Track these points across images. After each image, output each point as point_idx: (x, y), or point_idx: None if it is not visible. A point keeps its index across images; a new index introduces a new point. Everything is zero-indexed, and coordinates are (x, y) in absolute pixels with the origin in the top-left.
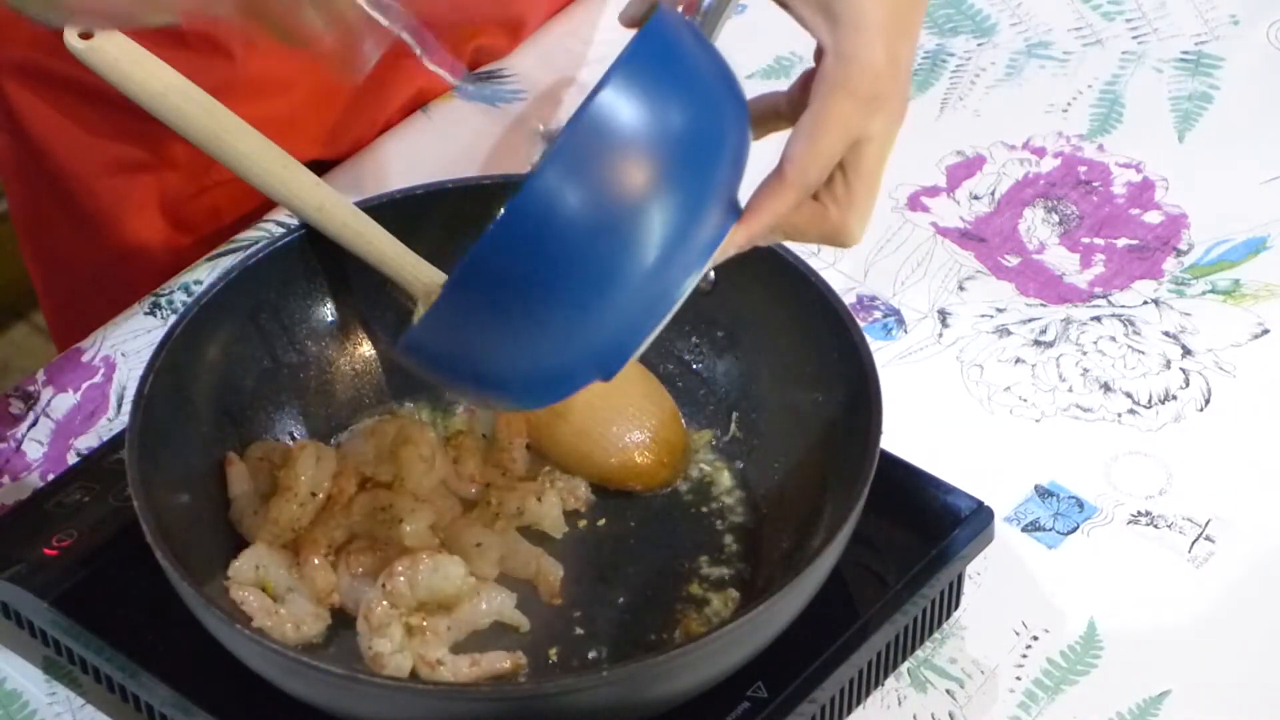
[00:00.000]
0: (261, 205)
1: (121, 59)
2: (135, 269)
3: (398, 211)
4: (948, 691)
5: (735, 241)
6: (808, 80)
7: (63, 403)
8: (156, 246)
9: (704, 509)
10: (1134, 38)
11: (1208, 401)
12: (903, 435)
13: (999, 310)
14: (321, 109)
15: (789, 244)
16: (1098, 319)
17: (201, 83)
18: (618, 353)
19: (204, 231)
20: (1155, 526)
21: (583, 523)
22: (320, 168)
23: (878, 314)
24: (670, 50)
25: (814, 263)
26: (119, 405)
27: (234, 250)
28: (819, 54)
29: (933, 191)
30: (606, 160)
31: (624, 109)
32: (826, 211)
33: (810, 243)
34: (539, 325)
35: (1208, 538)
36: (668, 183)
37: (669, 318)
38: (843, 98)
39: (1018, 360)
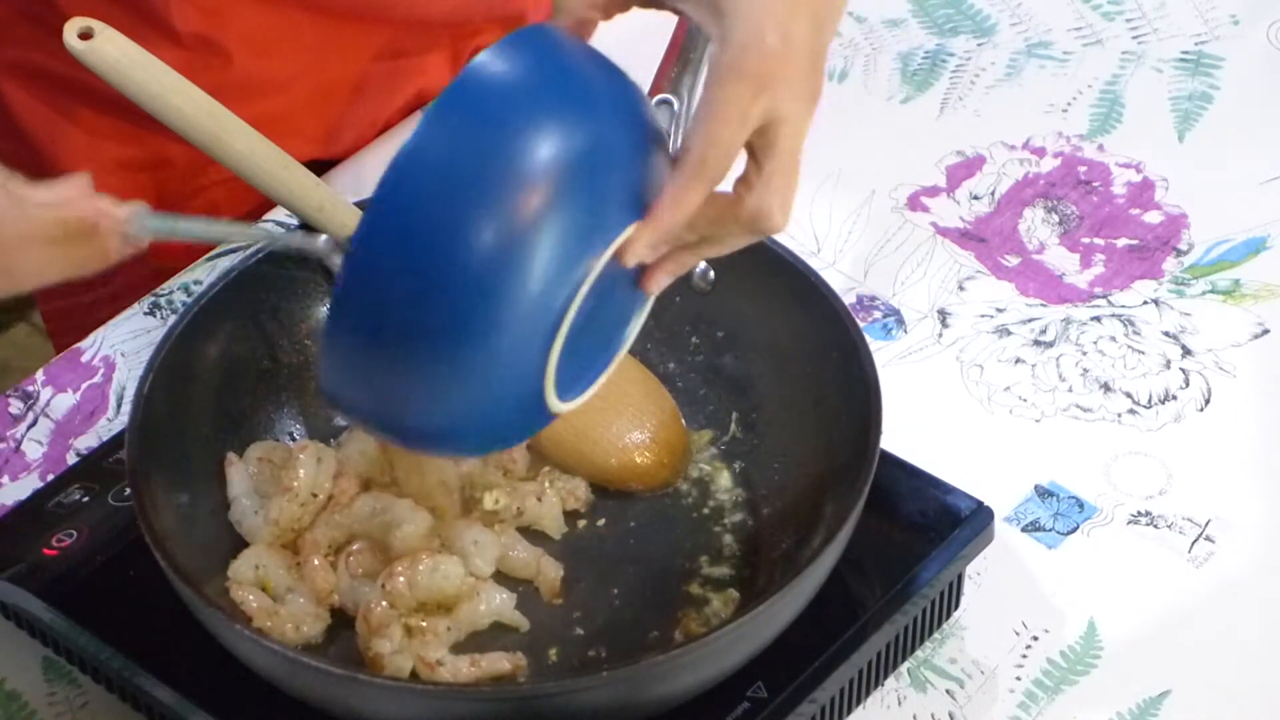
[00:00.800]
0: (260, 205)
1: (121, 60)
2: (134, 269)
3: None
4: (948, 691)
5: (644, 241)
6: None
7: (62, 403)
8: (155, 246)
9: (704, 509)
10: (1134, 38)
11: (1208, 401)
12: (903, 435)
13: (999, 310)
14: (319, 109)
15: (784, 244)
16: (1098, 319)
17: (199, 83)
18: (533, 385)
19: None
20: (1155, 526)
21: (583, 523)
22: (319, 167)
23: (878, 314)
24: (509, 68)
25: (814, 263)
26: (119, 405)
27: (234, 250)
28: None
29: (933, 191)
30: (426, 197)
31: (439, 140)
32: (741, 199)
33: (736, 237)
34: (431, 365)
35: (1208, 538)
36: (498, 202)
37: (630, 334)
38: (733, 81)
39: (1018, 360)
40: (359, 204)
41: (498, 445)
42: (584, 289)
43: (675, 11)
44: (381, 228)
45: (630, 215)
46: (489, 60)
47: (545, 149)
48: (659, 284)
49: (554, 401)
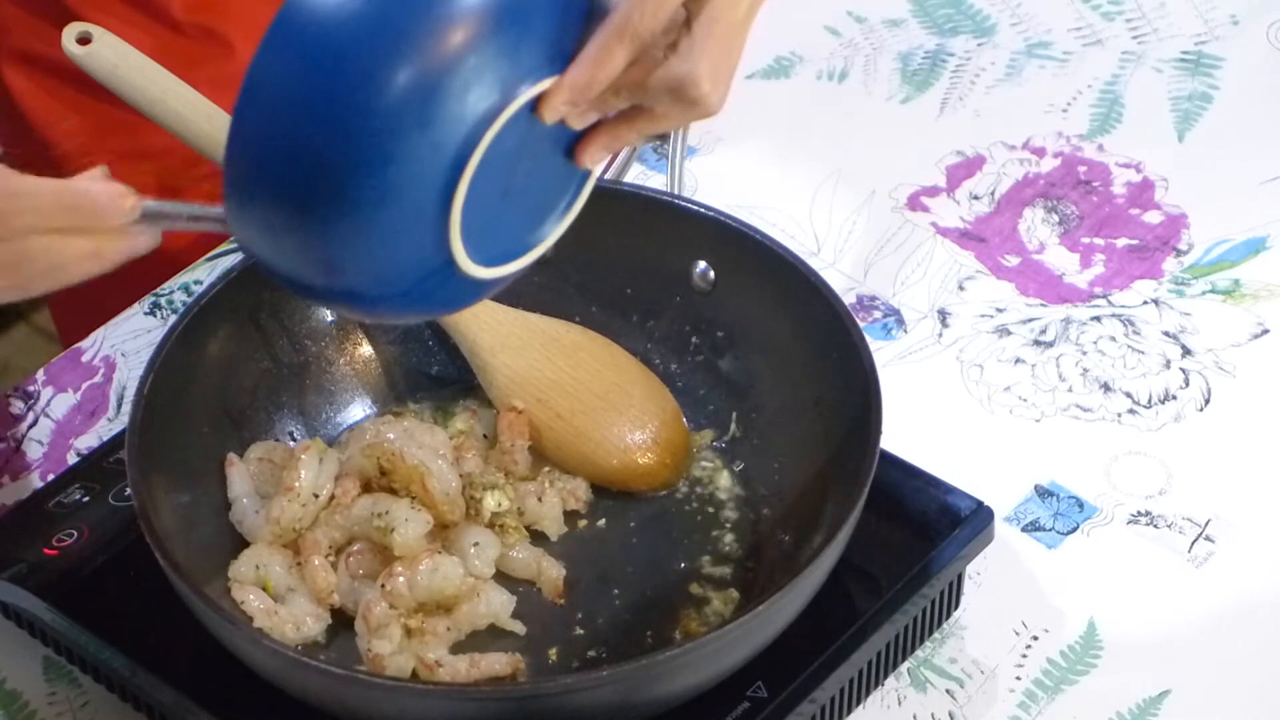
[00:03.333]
0: None
1: (120, 64)
2: (137, 261)
3: None
4: (948, 691)
5: (561, 96)
6: None
7: (63, 403)
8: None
9: (704, 509)
10: (1134, 38)
11: (1208, 401)
12: (903, 435)
13: (999, 310)
14: None
15: (784, 244)
16: (1098, 319)
17: (201, 73)
18: (435, 235)
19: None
20: (1155, 526)
21: (583, 523)
22: None
23: (878, 314)
24: None
25: (814, 263)
26: (119, 405)
27: (234, 250)
28: None
29: (933, 191)
30: (322, 19)
31: None
32: (669, 63)
33: (664, 107)
34: (327, 205)
35: (1208, 538)
36: (400, 30)
37: (567, 212)
38: None
39: (1018, 360)
40: None
41: (414, 307)
42: (489, 134)
43: None
44: (275, 57)
45: (549, 68)
46: None
47: None
48: (593, 156)
49: (465, 261)
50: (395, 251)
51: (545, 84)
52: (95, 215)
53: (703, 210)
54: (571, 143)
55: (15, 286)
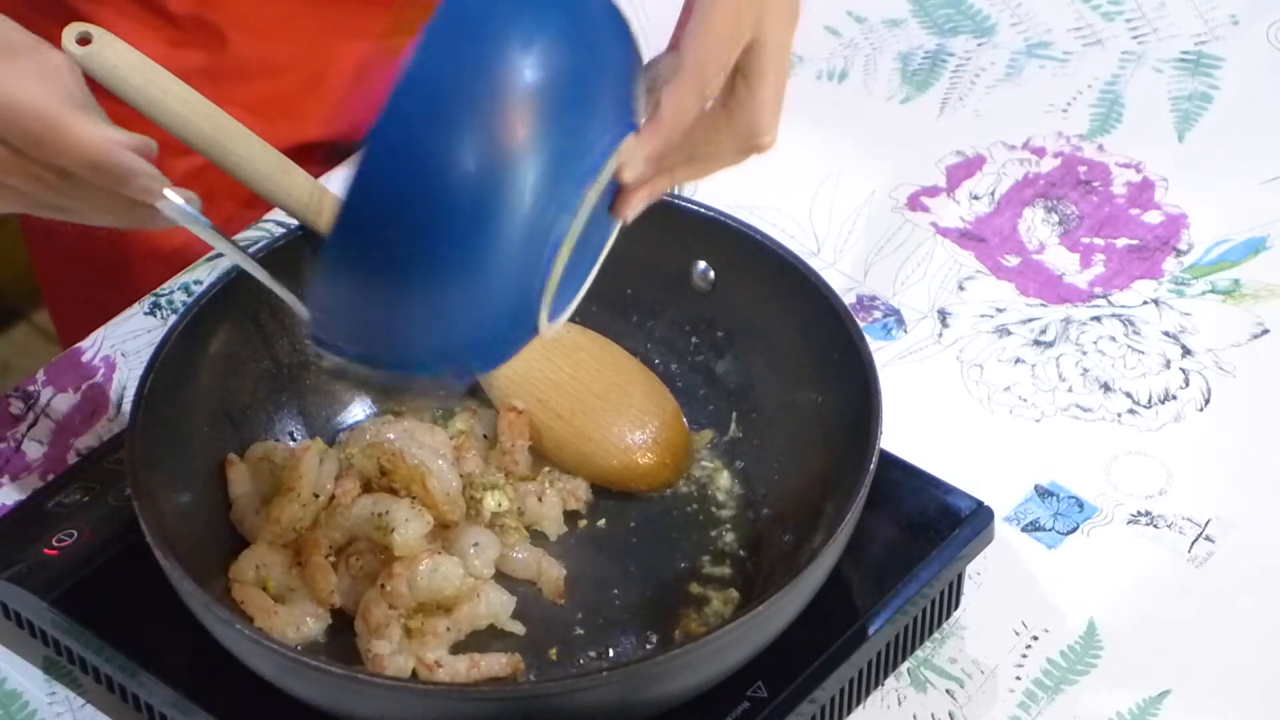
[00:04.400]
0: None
1: (119, 65)
2: (136, 257)
3: None
4: (948, 691)
5: (643, 153)
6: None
7: (63, 403)
8: (156, 232)
9: (704, 508)
10: (1134, 38)
11: (1208, 401)
12: (903, 435)
13: (999, 310)
14: (318, 91)
15: (784, 244)
16: (1098, 319)
17: (194, 66)
18: (529, 295)
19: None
20: (1155, 526)
21: (583, 523)
22: (320, 149)
23: (878, 314)
24: None
25: (814, 263)
26: (119, 405)
27: None
28: None
29: (933, 191)
30: (442, 101)
31: (462, 42)
32: (734, 115)
33: (724, 156)
34: (426, 279)
35: (1208, 538)
36: (517, 112)
37: (600, 257)
38: (717, 12)
39: (1018, 360)
40: None
41: (487, 365)
42: (588, 203)
43: None
44: (381, 157)
45: (623, 129)
46: None
47: (539, 67)
48: (635, 209)
49: (544, 322)
50: (490, 328)
51: (624, 145)
52: (120, 184)
53: (702, 210)
54: (613, 194)
55: (26, 204)
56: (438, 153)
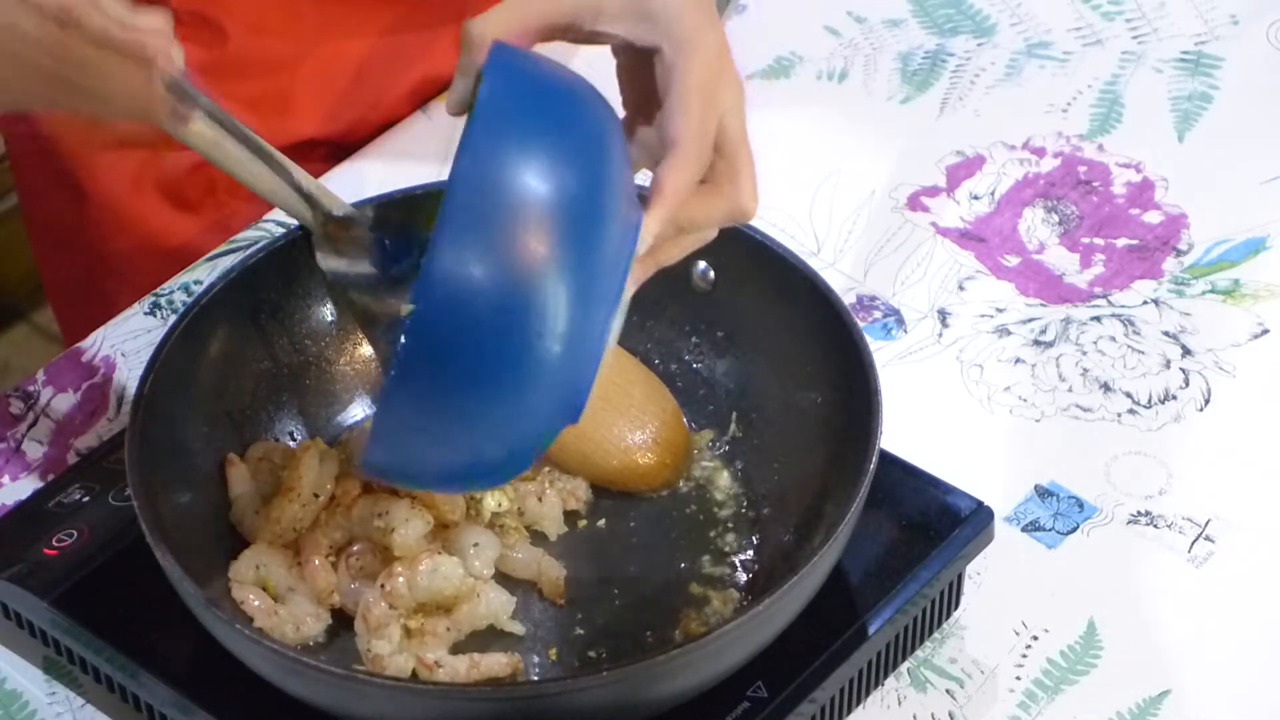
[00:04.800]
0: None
1: None
2: (138, 252)
3: (397, 211)
4: (948, 691)
5: (651, 229)
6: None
7: (63, 403)
8: (157, 226)
9: (704, 509)
10: (1134, 38)
11: (1208, 401)
12: (903, 435)
13: (999, 310)
14: (319, 89)
15: (784, 244)
16: (1098, 319)
17: (197, 61)
18: (578, 396)
19: (203, 210)
20: (1155, 526)
21: (583, 523)
22: (321, 146)
23: (878, 314)
24: (517, 93)
25: (814, 263)
26: (119, 405)
27: (234, 250)
28: (645, 57)
29: (933, 191)
30: (492, 235)
31: (492, 181)
32: (720, 191)
33: (712, 229)
34: (489, 405)
35: (1208, 538)
36: (567, 224)
37: (614, 339)
38: (698, 75)
39: (1018, 360)
40: (358, 205)
41: (530, 462)
42: (626, 295)
43: (599, 38)
44: (440, 294)
45: (638, 217)
46: (486, 115)
47: (575, 180)
48: (636, 282)
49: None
50: (545, 432)
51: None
52: (138, 44)
53: None
54: None
55: (41, 82)
56: (489, 286)
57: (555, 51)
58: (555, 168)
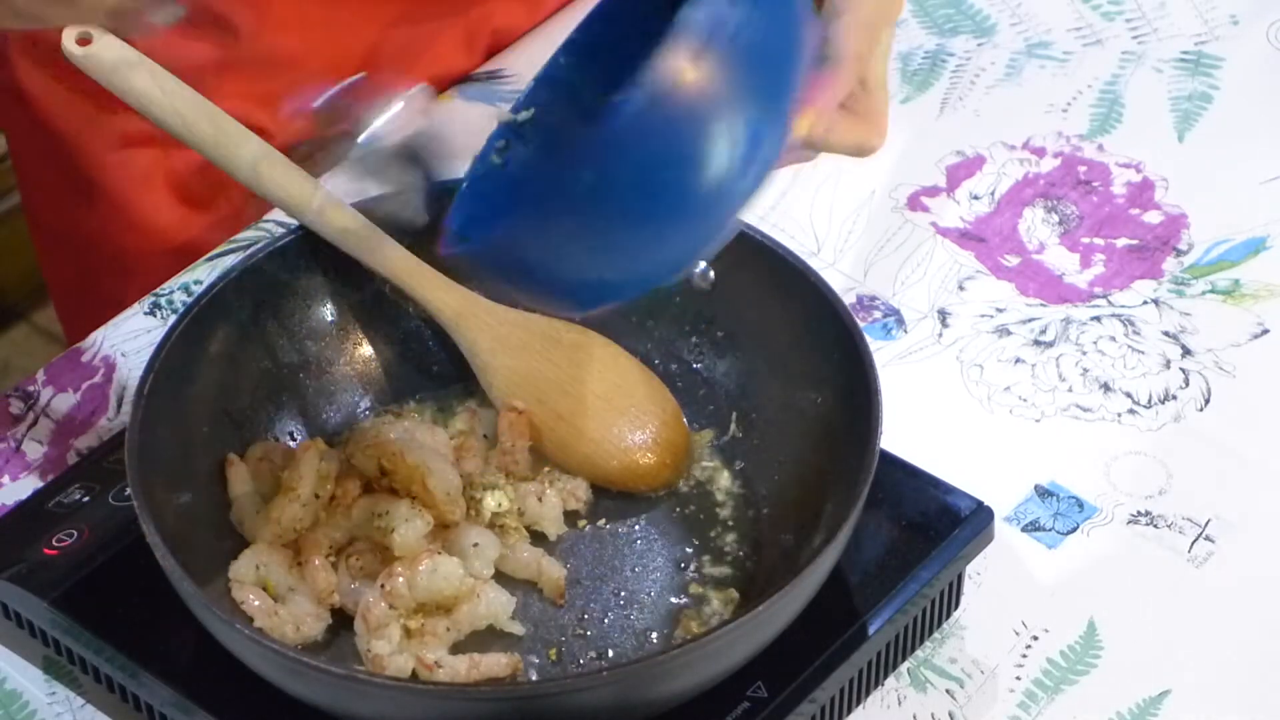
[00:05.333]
0: None
1: (120, 65)
2: (147, 251)
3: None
4: (948, 691)
5: (802, 129)
6: None
7: (63, 403)
8: (165, 224)
9: (704, 508)
10: (1134, 38)
11: (1208, 401)
12: (903, 435)
13: (999, 310)
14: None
15: (784, 244)
16: (1098, 319)
17: (207, 58)
18: (705, 243)
19: (212, 208)
20: (1155, 526)
21: (583, 523)
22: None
23: (878, 314)
24: None
25: (814, 263)
26: (119, 405)
27: (234, 250)
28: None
29: (933, 191)
30: (712, 57)
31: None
32: (854, 116)
33: (834, 152)
34: (657, 208)
35: (1208, 538)
36: (772, 74)
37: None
38: (870, 7)
39: (1018, 360)
40: (358, 204)
41: (612, 300)
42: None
43: None
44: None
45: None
46: None
47: (787, 42)
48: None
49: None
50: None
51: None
52: None
53: None
54: None
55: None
56: (706, 96)
57: None
58: (796, 23)
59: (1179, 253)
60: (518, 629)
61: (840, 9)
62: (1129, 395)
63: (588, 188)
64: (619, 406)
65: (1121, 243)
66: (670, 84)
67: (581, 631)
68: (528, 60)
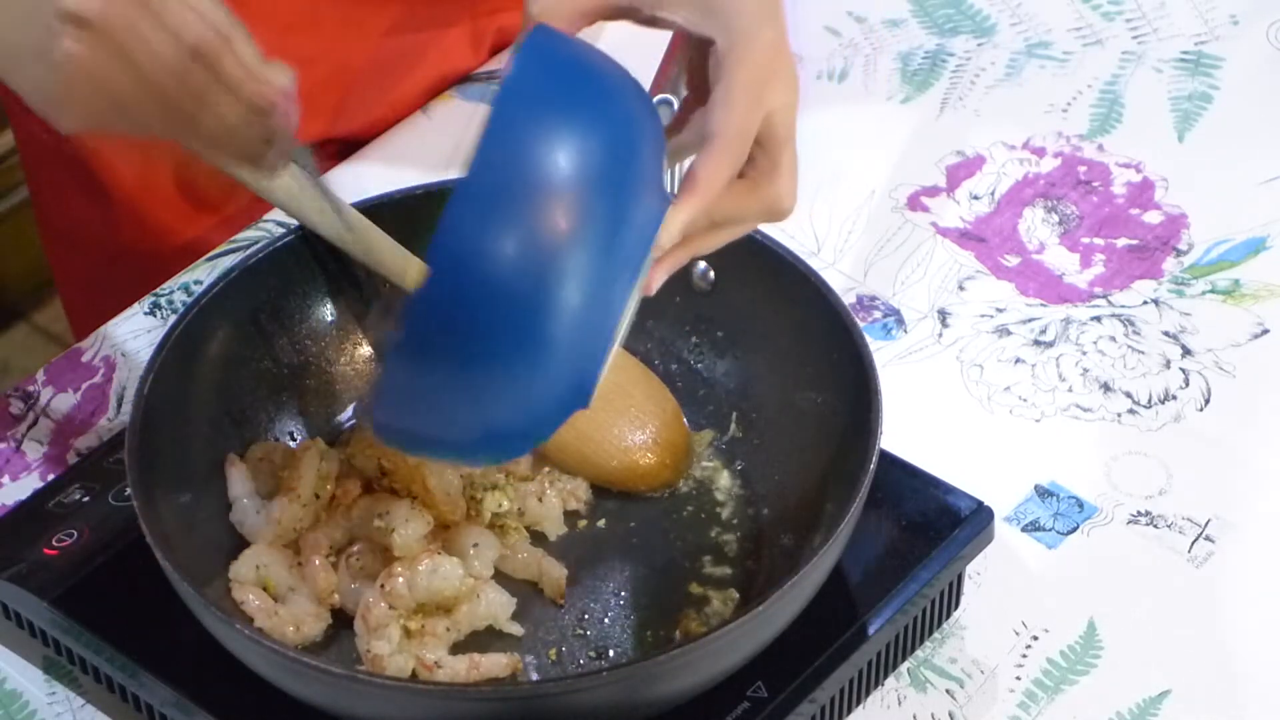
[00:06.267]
0: None
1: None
2: (158, 251)
3: (397, 212)
4: (948, 691)
5: (677, 224)
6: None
7: (63, 403)
8: (178, 226)
9: (704, 508)
10: (1134, 38)
11: (1207, 401)
12: (903, 435)
13: (999, 310)
14: (331, 88)
15: (784, 244)
16: (1098, 319)
17: None
18: (586, 378)
19: (220, 207)
20: (1155, 526)
21: (583, 523)
22: (330, 144)
23: (878, 314)
24: (547, 72)
25: (814, 263)
26: (119, 405)
27: (234, 250)
28: (705, 45)
29: (933, 191)
30: (512, 203)
31: (513, 150)
32: (758, 187)
33: (748, 225)
34: (497, 377)
35: (1208, 538)
36: (584, 203)
37: (626, 326)
38: (748, 70)
39: (1018, 360)
40: (358, 204)
41: (537, 443)
42: (639, 280)
43: (659, 23)
44: (448, 262)
45: (662, 205)
46: (514, 90)
47: (594, 158)
48: (660, 280)
49: (594, 392)
50: (551, 409)
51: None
52: (261, 95)
53: None
54: None
55: (136, 84)
56: (504, 256)
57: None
58: (576, 146)
59: (1179, 253)
60: (517, 629)
61: (715, 76)
62: (1129, 395)
63: (417, 356)
64: (619, 406)
65: (1121, 243)
66: (458, 254)
67: (581, 631)
68: None
